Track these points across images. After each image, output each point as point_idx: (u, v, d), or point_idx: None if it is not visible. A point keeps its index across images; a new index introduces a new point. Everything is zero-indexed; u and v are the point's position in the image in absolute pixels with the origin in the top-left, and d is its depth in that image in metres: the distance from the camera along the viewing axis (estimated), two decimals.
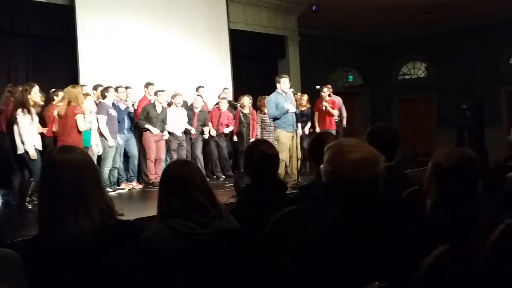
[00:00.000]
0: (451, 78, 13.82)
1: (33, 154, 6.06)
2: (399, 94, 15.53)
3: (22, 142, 6.06)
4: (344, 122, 10.19)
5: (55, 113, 6.69)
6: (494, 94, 13.15)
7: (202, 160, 8.94)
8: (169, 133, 8.36)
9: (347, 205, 1.87)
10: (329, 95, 9.81)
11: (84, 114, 6.50)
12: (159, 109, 8.19)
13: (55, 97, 7.21)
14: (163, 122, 8.25)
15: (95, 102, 7.64)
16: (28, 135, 6.09)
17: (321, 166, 2.03)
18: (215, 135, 9.13)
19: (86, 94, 7.18)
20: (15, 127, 6.09)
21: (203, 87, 9.28)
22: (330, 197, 1.95)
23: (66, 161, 1.90)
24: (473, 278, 1.96)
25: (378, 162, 1.93)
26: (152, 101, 8.38)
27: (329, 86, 10.16)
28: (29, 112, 6.09)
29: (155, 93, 8.28)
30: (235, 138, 9.42)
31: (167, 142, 8.40)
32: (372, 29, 13.82)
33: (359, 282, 1.57)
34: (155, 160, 8.23)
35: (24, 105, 6.07)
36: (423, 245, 1.87)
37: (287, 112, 7.28)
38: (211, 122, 9.14)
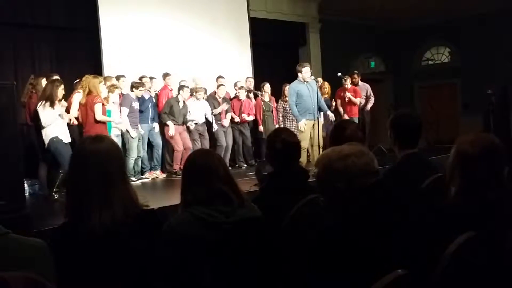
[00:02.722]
0: (476, 63, 13.54)
1: (66, 138, 6.15)
2: (422, 80, 15.28)
3: (51, 131, 6.11)
4: (368, 107, 10.08)
5: (73, 99, 6.78)
6: None
7: (230, 149, 8.97)
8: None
9: (349, 200, 1.88)
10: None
11: (103, 103, 6.56)
12: (181, 104, 8.24)
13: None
14: (184, 116, 8.30)
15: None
16: (54, 121, 6.10)
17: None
18: (238, 121, 9.15)
19: (114, 86, 7.25)
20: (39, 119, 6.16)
21: (223, 77, 9.28)
22: (332, 201, 1.96)
23: (94, 151, 1.92)
24: (499, 266, 1.94)
25: (369, 152, 1.99)
26: (172, 90, 8.49)
27: (356, 75, 10.14)
28: (52, 105, 6.09)
29: (181, 88, 8.29)
30: (261, 128, 9.39)
31: (189, 132, 8.45)
32: (394, 14, 13.61)
33: (378, 272, 1.56)
34: (184, 149, 8.21)
35: (51, 99, 6.05)
36: (445, 233, 1.86)
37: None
38: (233, 111, 9.17)
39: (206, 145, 8.50)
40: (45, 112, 6.07)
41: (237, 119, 9.13)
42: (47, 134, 6.11)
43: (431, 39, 15.06)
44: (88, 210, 1.84)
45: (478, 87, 11.41)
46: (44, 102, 6.04)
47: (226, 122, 8.84)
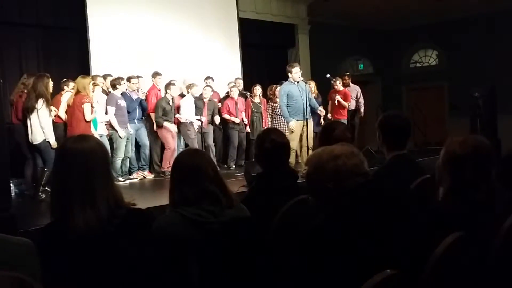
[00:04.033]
0: (463, 65, 13.67)
1: (54, 143, 6.14)
2: (410, 82, 15.41)
3: (43, 132, 6.11)
4: (362, 111, 10.17)
5: (63, 98, 6.76)
6: (507, 81, 12.99)
7: (214, 149, 8.96)
8: (184, 122, 8.39)
9: (342, 198, 1.88)
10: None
11: (91, 103, 6.57)
12: (170, 102, 8.23)
13: (65, 87, 7.24)
14: (174, 113, 8.30)
15: (104, 91, 7.69)
16: (50, 126, 6.15)
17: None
18: (238, 122, 9.16)
19: (94, 84, 7.21)
20: (33, 117, 6.09)
21: (211, 78, 9.26)
22: (322, 199, 1.96)
23: (78, 150, 1.90)
24: (487, 266, 1.95)
25: (359, 153, 1.99)
26: (160, 90, 8.44)
27: (347, 76, 10.20)
28: (48, 104, 6.12)
29: (167, 87, 8.27)
30: (248, 129, 9.39)
31: (186, 131, 8.42)
32: (383, 16, 13.69)
33: (367, 272, 1.56)
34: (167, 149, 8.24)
35: (46, 97, 6.09)
36: (435, 233, 1.86)
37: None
38: (230, 112, 9.13)
39: (196, 144, 8.48)
40: (43, 112, 6.07)
41: (237, 120, 9.11)
42: (42, 134, 6.11)
43: (419, 41, 15.19)
44: (72, 210, 1.83)
45: (466, 89, 11.51)
46: (41, 101, 6.03)
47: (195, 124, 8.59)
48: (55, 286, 1.76)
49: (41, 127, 6.09)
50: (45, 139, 6.14)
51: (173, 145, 8.24)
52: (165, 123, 8.11)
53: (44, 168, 6.24)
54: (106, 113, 7.41)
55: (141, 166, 8.16)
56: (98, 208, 1.85)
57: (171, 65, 9.13)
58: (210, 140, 8.92)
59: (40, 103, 6.04)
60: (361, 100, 10.19)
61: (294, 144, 7.10)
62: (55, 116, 6.80)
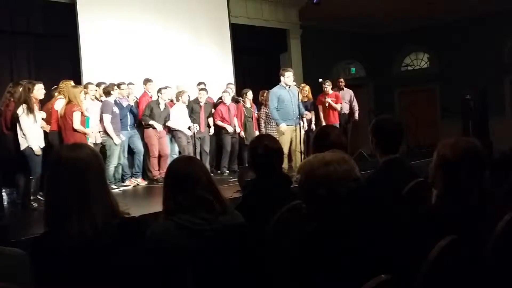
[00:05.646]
0: (455, 68, 13.75)
1: (37, 150, 6.16)
2: (402, 85, 15.48)
3: (25, 139, 6.13)
4: (356, 115, 10.21)
5: (57, 106, 6.75)
6: (498, 83, 13.09)
7: (208, 155, 8.93)
8: (174, 129, 8.34)
9: (333, 204, 1.88)
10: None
11: (82, 112, 6.57)
12: (162, 107, 8.21)
13: (55, 94, 7.21)
14: (165, 119, 8.27)
15: (96, 98, 7.65)
16: (31, 133, 6.15)
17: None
18: (231, 131, 9.07)
19: (84, 93, 7.17)
20: (18, 125, 6.13)
21: (204, 83, 9.25)
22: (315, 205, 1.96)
23: (72, 159, 1.89)
24: (480, 269, 1.96)
25: (350, 160, 1.99)
26: (152, 97, 8.42)
27: (341, 79, 10.25)
28: (32, 111, 6.11)
29: (159, 91, 8.26)
30: (242, 134, 9.37)
31: (177, 139, 8.39)
32: (374, 20, 13.75)
33: (360, 278, 1.56)
34: (161, 156, 8.20)
35: (26, 103, 6.10)
36: (428, 236, 1.87)
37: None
38: (223, 118, 9.07)
39: (191, 151, 8.44)
40: (23, 119, 6.08)
41: (230, 129, 9.02)
42: (25, 140, 6.13)
43: (410, 45, 15.27)
44: (67, 219, 1.81)
45: (457, 92, 11.59)
46: (22, 108, 6.06)
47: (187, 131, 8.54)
48: None
49: (23, 134, 6.11)
50: (28, 146, 6.14)
51: (156, 153, 8.14)
52: (151, 121, 8.05)
53: (30, 176, 6.22)
54: (101, 120, 7.39)
55: (134, 173, 8.13)
56: (94, 217, 1.84)
57: (163, 71, 9.12)
58: (207, 146, 8.88)
59: (21, 110, 6.08)
60: (355, 104, 10.22)
61: (285, 148, 7.11)
62: (52, 125, 6.78)
